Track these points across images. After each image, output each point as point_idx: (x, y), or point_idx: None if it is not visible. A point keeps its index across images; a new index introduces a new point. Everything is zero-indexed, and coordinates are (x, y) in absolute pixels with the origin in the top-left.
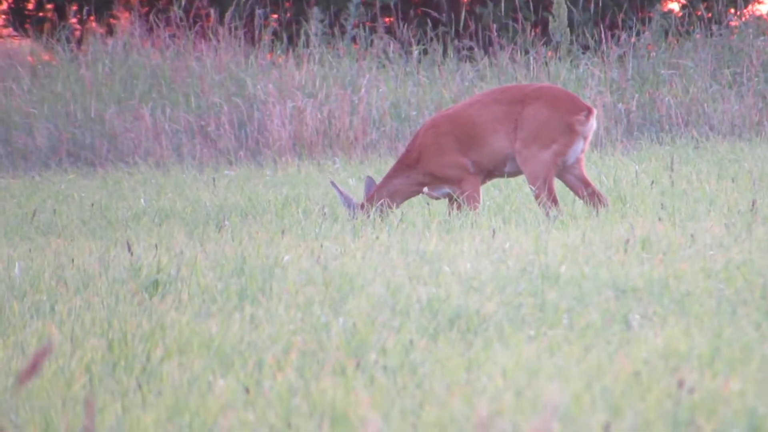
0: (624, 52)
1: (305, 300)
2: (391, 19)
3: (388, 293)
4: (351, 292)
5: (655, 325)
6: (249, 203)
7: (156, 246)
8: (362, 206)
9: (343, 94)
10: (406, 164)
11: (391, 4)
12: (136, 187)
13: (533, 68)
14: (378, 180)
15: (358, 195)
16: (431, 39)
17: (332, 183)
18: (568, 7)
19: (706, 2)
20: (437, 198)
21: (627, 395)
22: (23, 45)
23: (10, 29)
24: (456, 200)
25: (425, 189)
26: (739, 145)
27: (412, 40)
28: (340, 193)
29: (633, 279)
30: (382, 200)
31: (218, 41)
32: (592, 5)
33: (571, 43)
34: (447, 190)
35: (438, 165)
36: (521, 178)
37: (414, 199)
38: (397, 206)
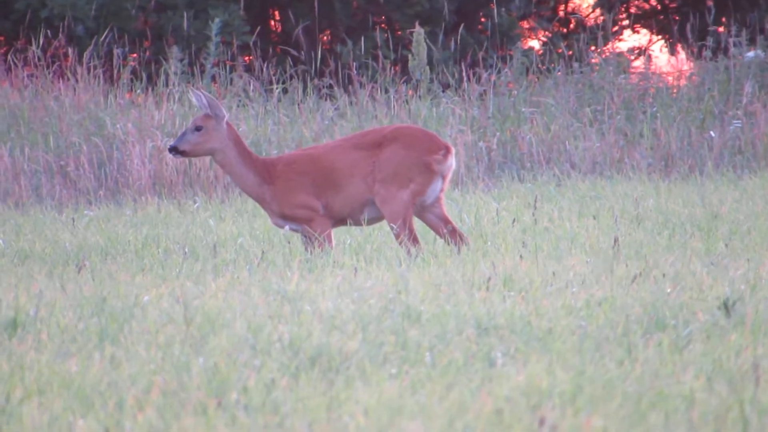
0: (485, 90)
1: (166, 340)
2: (251, 57)
3: (249, 332)
4: (212, 332)
5: (518, 362)
6: (109, 243)
7: (15, 286)
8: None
9: None
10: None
11: (251, 43)
12: None
13: (394, 106)
14: None
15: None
16: (291, 77)
17: (191, 89)
18: (427, 45)
19: (566, 40)
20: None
21: None
22: None
23: None
24: (316, 238)
25: (286, 227)
26: (600, 182)
27: (272, 78)
28: (200, 97)
29: (495, 317)
30: None
31: (77, 81)
32: (452, 43)
33: (431, 81)
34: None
35: (288, 204)
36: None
37: (275, 238)
38: None
